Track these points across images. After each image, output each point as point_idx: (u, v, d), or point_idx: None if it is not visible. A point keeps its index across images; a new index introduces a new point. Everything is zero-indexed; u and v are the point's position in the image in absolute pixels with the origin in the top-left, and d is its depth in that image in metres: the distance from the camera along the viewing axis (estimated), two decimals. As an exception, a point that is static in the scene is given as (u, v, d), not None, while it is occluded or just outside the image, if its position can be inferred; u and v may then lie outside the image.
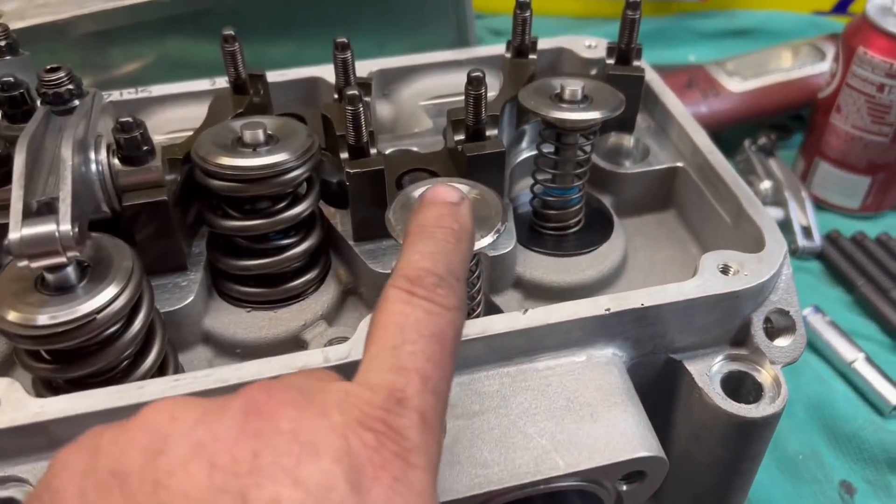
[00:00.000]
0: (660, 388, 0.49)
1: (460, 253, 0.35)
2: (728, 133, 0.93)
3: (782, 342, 0.47)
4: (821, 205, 0.90)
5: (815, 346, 0.74)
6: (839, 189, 0.88)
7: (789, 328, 0.48)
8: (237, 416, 0.27)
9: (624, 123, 0.59)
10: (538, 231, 0.55)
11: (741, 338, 0.48)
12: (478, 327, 0.43)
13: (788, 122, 1.00)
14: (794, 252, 0.83)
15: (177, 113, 0.61)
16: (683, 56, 1.12)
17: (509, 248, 0.50)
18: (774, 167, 0.87)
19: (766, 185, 0.86)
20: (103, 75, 0.82)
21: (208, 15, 0.80)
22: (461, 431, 0.41)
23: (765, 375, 0.46)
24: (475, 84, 0.47)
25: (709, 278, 0.45)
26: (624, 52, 0.57)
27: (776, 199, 0.85)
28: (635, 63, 0.58)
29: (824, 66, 0.92)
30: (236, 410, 0.27)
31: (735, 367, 0.47)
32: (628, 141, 0.60)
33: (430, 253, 0.34)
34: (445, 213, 0.36)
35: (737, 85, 0.91)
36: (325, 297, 0.51)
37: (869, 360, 0.71)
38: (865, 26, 0.79)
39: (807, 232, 0.83)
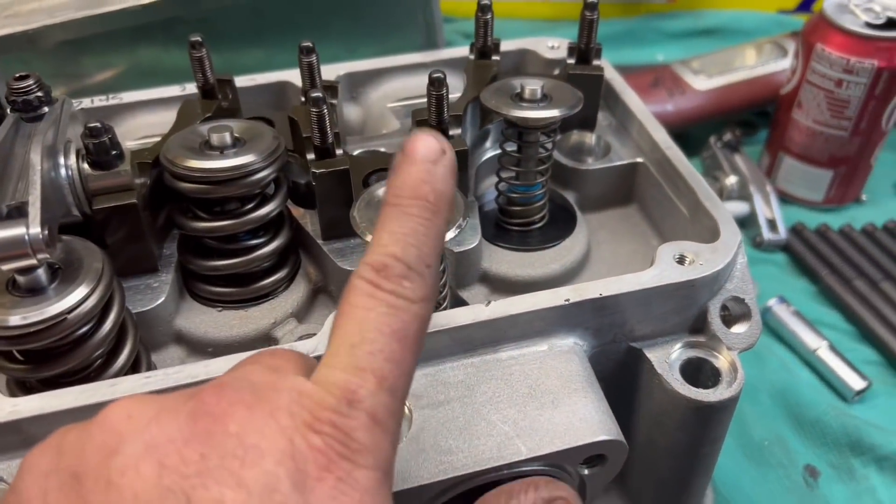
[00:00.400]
0: (622, 377, 0.50)
1: (434, 229, 0.33)
2: (694, 130, 0.95)
3: (739, 329, 0.49)
4: (786, 198, 0.92)
5: (780, 336, 0.76)
6: (803, 183, 0.90)
7: (745, 315, 0.49)
8: (189, 417, 0.28)
9: (585, 121, 0.61)
10: (503, 227, 0.57)
11: (699, 325, 0.49)
12: (442, 319, 0.44)
13: (754, 118, 1.02)
14: (760, 244, 0.85)
15: (147, 119, 0.62)
16: (651, 56, 1.14)
17: (474, 244, 0.52)
18: (740, 162, 0.89)
19: (731, 180, 0.88)
20: (75, 84, 0.83)
21: (179, 23, 0.81)
22: (427, 421, 0.42)
23: (722, 361, 0.48)
24: (436, 85, 0.49)
25: (665, 268, 0.47)
26: (584, 51, 0.59)
27: (742, 194, 0.87)
28: (595, 62, 0.60)
29: (787, 63, 0.94)
30: (189, 411, 0.28)
31: (693, 353, 0.49)
32: (590, 139, 0.61)
33: (401, 234, 0.32)
34: (422, 178, 0.34)
35: (702, 83, 0.93)
36: (295, 295, 0.52)
37: (832, 347, 0.73)
38: (823, 24, 0.81)
39: (772, 225, 0.85)
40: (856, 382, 0.71)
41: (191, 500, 0.25)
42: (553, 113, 0.51)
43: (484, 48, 0.60)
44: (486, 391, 0.44)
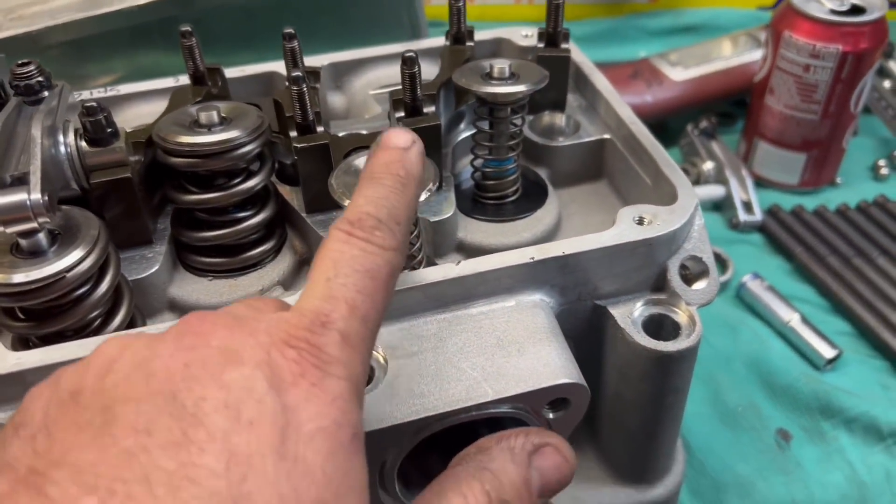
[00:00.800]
0: (590, 335, 0.53)
1: (405, 198, 0.38)
2: (673, 120, 0.98)
3: (697, 286, 0.52)
4: (763, 182, 0.95)
5: (755, 309, 0.79)
6: (778, 166, 0.93)
7: (703, 273, 0.52)
8: (175, 336, 0.31)
9: (556, 103, 0.65)
10: (479, 201, 0.60)
11: (660, 284, 0.52)
12: (416, 277, 0.47)
13: (732, 109, 1.06)
14: (736, 226, 0.88)
15: (143, 109, 0.65)
16: (634, 53, 1.18)
17: (449, 214, 0.55)
18: (716, 149, 0.92)
19: (708, 165, 0.91)
20: (78, 87, 0.87)
21: (175, 28, 0.85)
22: (401, 369, 0.45)
23: (682, 315, 0.51)
24: (409, 63, 0.52)
25: (625, 228, 0.50)
26: (552, 35, 0.63)
27: (718, 178, 0.90)
28: (563, 45, 0.63)
29: (760, 53, 0.98)
30: (174, 332, 0.32)
31: (655, 310, 0.52)
32: (560, 119, 0.64)
33: (375, 198, 0.37)
34: (395, 159, 0.39)
35: (679, 74, 0.97)
36: (281, 265, 0.55)
37: (804, 319, 0.76)
38: (790, 12, 0.85)
39: (747, 207, 0.88)
40: (827, 351, 0.73)
41: (176, 398, 0.28)
42: (520, 88, 0.54)
43: (458, 34, 0.63)
44: (457, 342, 0.47)
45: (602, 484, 0.58)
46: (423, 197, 0.45)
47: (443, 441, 0.46)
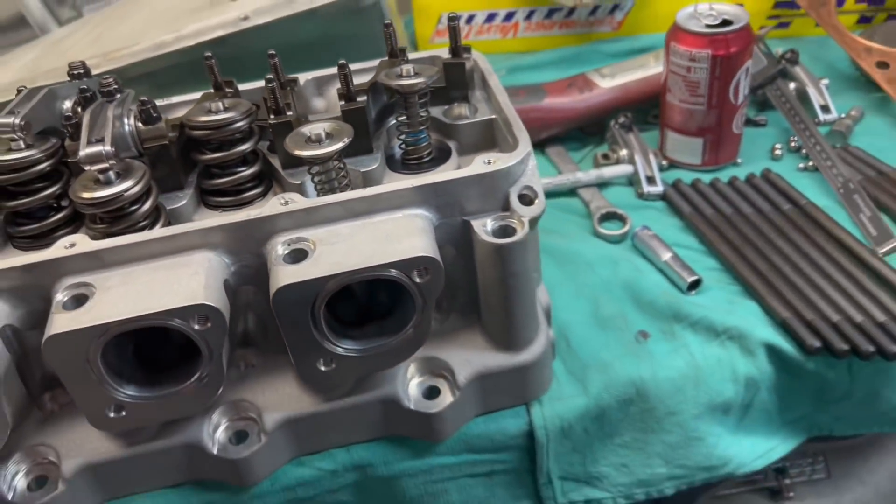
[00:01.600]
0: (463, 242, 0.79)
1: None
2: (604, 119, 1.23)
3: (531, 207, 0.78)
4: (675, 164, 1.19)
5: (643, 253, 1.03)
6: (684, 150, 1.17)
7: (535, 198, 0.78)
8: None
9: (464, 97, 0.92)
10: (405, 162, 0.87)
11: (506, 206, 0.78)
12: (339, 198, 0.75)
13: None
14: (642, 195, 1.12)
15: (183, 112, 0.96)
16: (593, 71, 1.44)
17: (374, 167, 0.83)
18: (631, 138, 1.17)
19: (623, 151, 1.16)
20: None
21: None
22: (324, 251, 0.72)
23: (518, 225, 0.77)
24: (341, 67, 0.81)
25: (476, 166, 0.77)
26: (454, 49, 0.90)
27: (631, 160, 1.15)
28: (465, 56, 0.91)
29: (675, 63, 1.22)
30: None
31: (502, 222, 0.78)
32: (465, 108, 0.92)
33: None
34: None
35: (608, 83, 1.22)
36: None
37: (677, 256, 0.99)
38: (676, 28, 1.10)
39: (651, 180, 1.12)
40: (689, 276, 0.96)
41: None
42: (419, 80, 0.82)
43: (392, 52, 0.92)
44: (362, 237, 0.74)
45: (485, 350, 0.83)
46: (340, 144, 0.74)
47: (351, 298, 0.74)
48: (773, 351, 0.89)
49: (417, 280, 0.73)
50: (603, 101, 1.22)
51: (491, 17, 1.53)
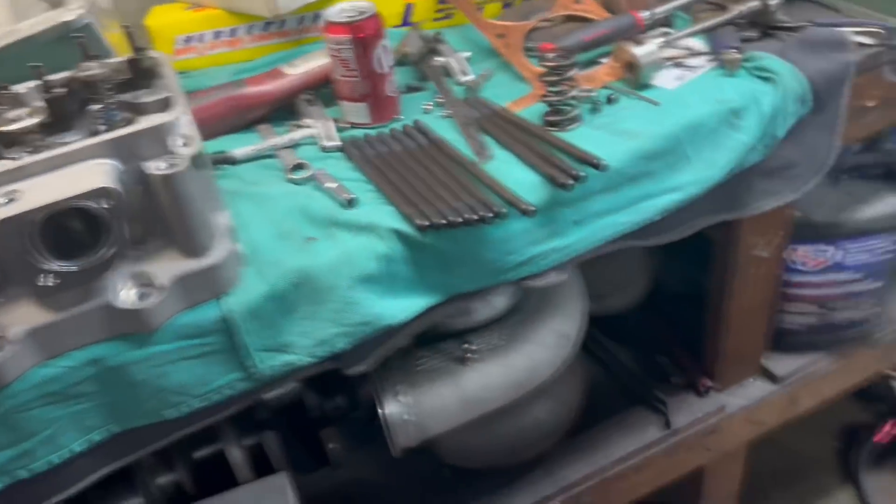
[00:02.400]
0: (147, 183, 1.10)
1: None
2: (294, 101, 1.58)
3: (188, 149, 1.10)
4: (354, 126, 1.54)
5: (317, 187, 1.37)
6: (356, 114, 1.52)
7: (189, 143, 1.10)
8: None
9: (147, 84, 1.23)
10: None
11: (171, 151, 1.10)
12: (37, 157, 1.04)
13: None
14: (324, 149, 1.47)
15: None
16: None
17: (79, 138, 1.13)
18: (313, 110, 1.52)
19: (309, 120, 1.51)
20: None
21: None
22: (29, 195, 1.02)
23: (179, 161, 1.09)
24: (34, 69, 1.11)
25: (141, 125, 1.08)
26: (135, 49, 1.22)
27: (315, 126, 1.50)
28: (143, 55, 1.22)
29: (346, 51, 1.59)
30: None
31: (167, 161, 1.09)
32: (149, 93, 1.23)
33: None
34: None
35: (294, 71, 1.57)
36: None
37: (342, 186, 1.34)
38: (326, 22, 1.46)
39: (329, 137, 1.47)
40: (348, 196, 1.31)
41: None
42: (101, 72, 1.13)
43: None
44: (60, 182, 1.03)
45: (179, 260, 1.15)
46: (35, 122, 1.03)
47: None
48: (400, 234, 1.25)
49: (105, 206, 1.04)
50: (292, 85, 1.56)
51: (218, 34, 1.85)
